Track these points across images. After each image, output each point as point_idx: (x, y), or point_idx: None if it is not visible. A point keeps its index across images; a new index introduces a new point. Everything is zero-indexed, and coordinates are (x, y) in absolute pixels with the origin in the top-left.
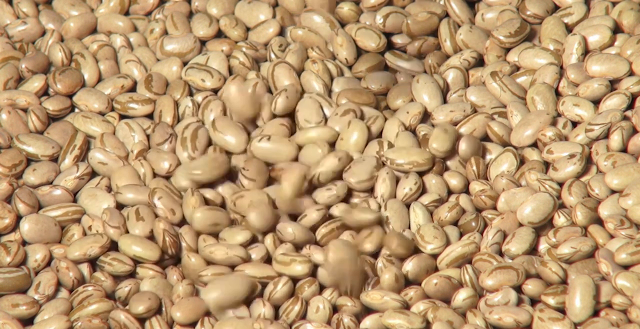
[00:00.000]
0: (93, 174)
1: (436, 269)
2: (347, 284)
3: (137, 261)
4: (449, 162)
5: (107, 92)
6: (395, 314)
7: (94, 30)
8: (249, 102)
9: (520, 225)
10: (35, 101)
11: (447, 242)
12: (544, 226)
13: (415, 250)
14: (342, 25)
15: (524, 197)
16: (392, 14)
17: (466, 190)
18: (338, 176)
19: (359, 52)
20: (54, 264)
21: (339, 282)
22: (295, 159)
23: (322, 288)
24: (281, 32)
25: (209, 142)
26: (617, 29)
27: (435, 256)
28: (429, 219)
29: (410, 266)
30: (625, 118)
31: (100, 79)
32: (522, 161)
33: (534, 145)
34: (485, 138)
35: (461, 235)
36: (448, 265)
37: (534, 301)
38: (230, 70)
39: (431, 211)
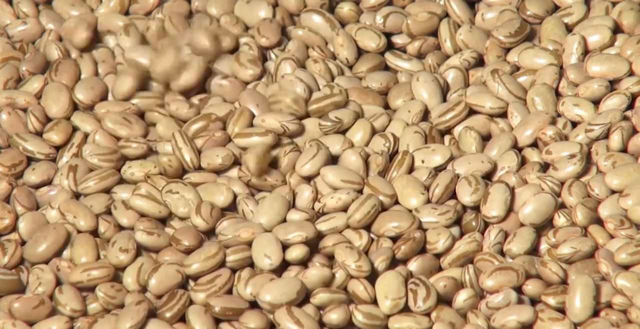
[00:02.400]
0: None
1: (440, 269)
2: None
3: None
4: None
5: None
6: (401, 318)
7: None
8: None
9: (522, 225)
10: (34, 102)
11: (453, 236)
12: (543, 226)
13: (421, 250)
14: (342, 25)
15: (529, 195)
16: (392, 14)
17: None
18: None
19: (360, 52)
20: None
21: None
22: None
23: None
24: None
25: None
26: (617, 29)
27: (438, 256)
28: None
29: (414, 267)
30: (625, 118)
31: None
32: (522, 162)
33: (534, 145)
34: (487, 137)
35: (462, 235)
36: (451, 264)
37: (533, 302)
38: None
39: None
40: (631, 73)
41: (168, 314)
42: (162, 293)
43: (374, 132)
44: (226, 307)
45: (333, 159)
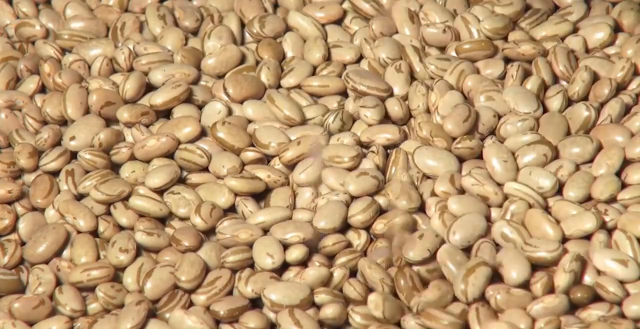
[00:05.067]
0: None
1: None
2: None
3: None
4: None
5: None
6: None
7: None
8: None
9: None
10: (30, 102)
11: None
12: None
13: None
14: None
15: None
16: None
17: None
18: None
19: None
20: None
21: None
22: None
23: None
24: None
25: None
26: (617, 30)
27: None
28: None
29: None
30: None
31: None
32: None
33: None
34: None
35: None
36: None
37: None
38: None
39: None
40: (635, 73)
41: (168, 315)
42: (159, 297)
43: None
44: (231, 308)
45: None
